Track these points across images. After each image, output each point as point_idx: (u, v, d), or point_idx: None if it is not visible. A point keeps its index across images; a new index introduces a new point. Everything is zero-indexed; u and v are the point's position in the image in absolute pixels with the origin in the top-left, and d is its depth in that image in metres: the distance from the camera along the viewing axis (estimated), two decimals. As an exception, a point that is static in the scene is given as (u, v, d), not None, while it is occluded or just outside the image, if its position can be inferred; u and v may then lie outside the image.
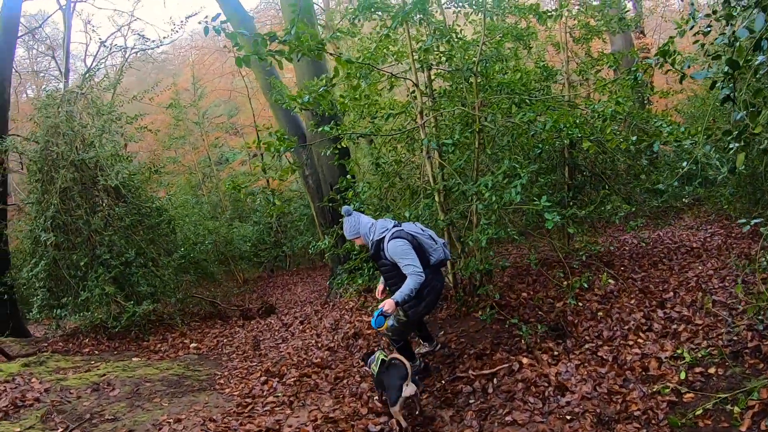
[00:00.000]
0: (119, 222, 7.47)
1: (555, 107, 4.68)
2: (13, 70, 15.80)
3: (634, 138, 3.94)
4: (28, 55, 18.84)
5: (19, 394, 4.06)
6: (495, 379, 3.54)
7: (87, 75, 8.70)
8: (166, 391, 4.69)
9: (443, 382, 3.77)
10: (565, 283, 4.58)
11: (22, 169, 7.63)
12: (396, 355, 3.39)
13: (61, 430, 3.73)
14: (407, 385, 3.05)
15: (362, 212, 4.13)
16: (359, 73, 4.73)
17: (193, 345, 6.66)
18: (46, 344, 6.52)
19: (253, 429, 3.65)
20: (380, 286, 4.00)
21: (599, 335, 3.92)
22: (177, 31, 13.54)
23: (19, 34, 14.45)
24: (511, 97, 4.49)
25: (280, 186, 16.97)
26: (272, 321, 8.03)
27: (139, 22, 15.66)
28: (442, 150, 4.63)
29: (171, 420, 4.02)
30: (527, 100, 4.44)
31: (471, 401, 3.43)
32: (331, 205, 5.97)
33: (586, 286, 4.46)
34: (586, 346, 3.76)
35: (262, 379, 4.88)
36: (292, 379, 4.71)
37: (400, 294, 3.32)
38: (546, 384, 3.28)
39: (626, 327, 3.94)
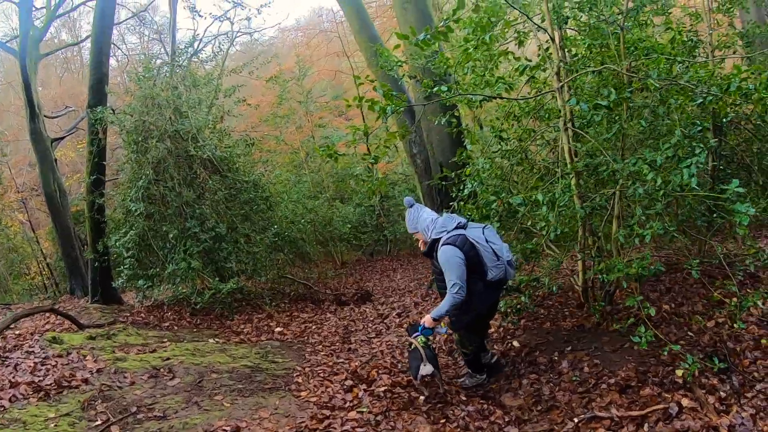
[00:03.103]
0: (212, 195, 7.09)
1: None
2: (126, 56, 17.71)
3: None
4: (139, 41, 20.80)
5: (67, 373, 3.54)
6: (646, 425, 2.69)
7: (184, 48, 8.54)
8: (232, 386, 3.91)
9: (575, 421, 2.88)
10: (734, 300, 3.48)
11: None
12: (411, 340, 3.55)
13: (100, 422, 3.07)
14: (424, 365, 3.38)
15: (481, 193, 4.17)
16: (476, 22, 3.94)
17: (278, 329, 5.95)
18: (128, 314, 6.29)
19: (325, 457, 2.77)
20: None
21: (771, 372, 3.01)
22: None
23: (127, 17, 15.90)
24: (669, 58, 3.72)
25: (386, 168, 16.31)
26: (367, 309, 7.13)
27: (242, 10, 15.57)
28: (589, 116, 3.88)
29: (228, 428, 3.24)
30: (687, 62, 3.82)
31: (615, 458, 2.57)
32: (444, 184, 5.41)
33: (761, 304, 3.51)
34: (758, 386, 2.89)
35: (347, 383, 3.99)
36: (383, 388, 3.76)
37: (437, 312, 3.31)
38: (719, 442, 2.44)
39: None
